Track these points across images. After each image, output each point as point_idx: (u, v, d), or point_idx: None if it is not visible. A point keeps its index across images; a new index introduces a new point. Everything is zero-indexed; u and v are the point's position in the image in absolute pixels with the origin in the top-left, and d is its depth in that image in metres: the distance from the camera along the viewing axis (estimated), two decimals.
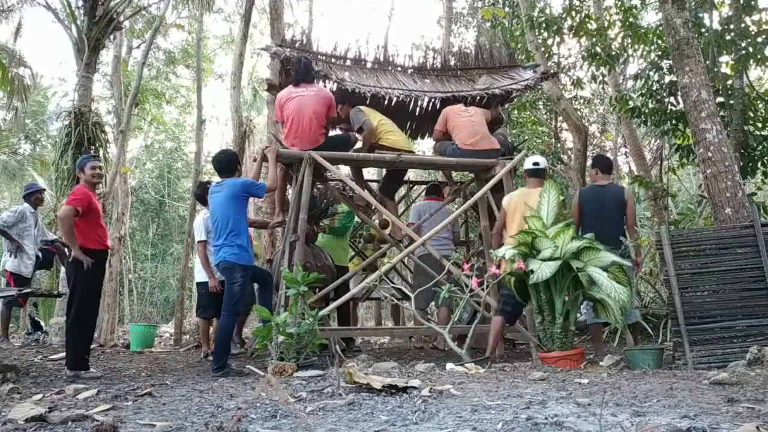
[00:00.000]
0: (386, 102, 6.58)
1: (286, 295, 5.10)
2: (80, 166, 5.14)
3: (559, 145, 12.73)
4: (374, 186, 7.82)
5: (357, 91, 6.44)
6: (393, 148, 6.27)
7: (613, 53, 9.43)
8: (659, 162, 11.02)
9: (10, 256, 7.23)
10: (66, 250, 5.07)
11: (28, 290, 5.40)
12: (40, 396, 3.35)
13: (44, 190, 8.02)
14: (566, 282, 4.62)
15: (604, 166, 5.89)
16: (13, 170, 17.93)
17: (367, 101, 6.62)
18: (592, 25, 9.46)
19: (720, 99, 7.65)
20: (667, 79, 8.56)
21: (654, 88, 8.70)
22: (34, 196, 7.52)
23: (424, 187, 10.49)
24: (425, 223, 6.83)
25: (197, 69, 13.11)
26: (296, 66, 6.09)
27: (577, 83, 11.34)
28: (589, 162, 7.76)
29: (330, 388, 3.05)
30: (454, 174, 7.74)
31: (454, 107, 6.47)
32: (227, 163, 5.20)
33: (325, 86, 6.82)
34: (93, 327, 5.20)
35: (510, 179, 6.33)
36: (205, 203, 6.27)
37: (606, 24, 9.72)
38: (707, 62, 7.25)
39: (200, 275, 6.38)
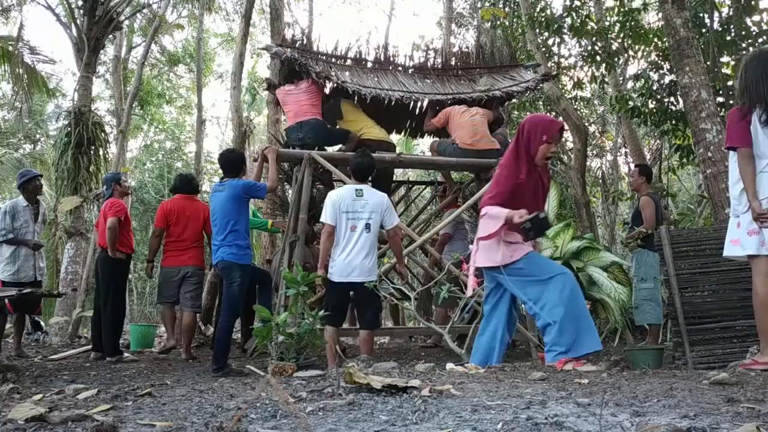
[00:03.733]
0: (386, 102, 6.58)
1: (286, 295, 5.10)
2: (116, 179, 6.17)
3: (559, 145, 12.72)
4: None
5: (355, 91, 6.46)
6: (375, 140, 6.35)
7: (613, 53, 9.43)
8: (659, 162, 11.03)
9: (7, 263, 6.38)
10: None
11: (28, 290, 5.40)
12: (40, 396, 3.34)
13: (41, 176, 6.98)
14: None
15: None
16: (11, 170, 17.91)
17: (367, 101, 6.62)
18: (593, 26, 9.46)
19: (720, 99, 7.65)
20: (667, 79, 8.56)
21: (654, 88, 8.70)
22: (31, 185, 6.55)
23: (423, 186, 10.48)
24: None
25: (197, 69, 13.14)
26: (283, 70, 6.68)
27: (577, 84, 11.34)
28: (591, 163, 7.79)
29: (330, 388, 3.05)
30: (453, 174, 7.75)
31: (456, 107, 6.48)
32: (234, 162, 5.20)
33: (324, 86, 6.82)
34: (123, 318, 6.45)
35: None
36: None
37: (606, 25, 9.71)
38: (707, 62, 7.25)
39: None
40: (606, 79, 10.60)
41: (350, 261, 4.78)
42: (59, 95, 20.18)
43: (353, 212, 4.82)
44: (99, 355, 6.01)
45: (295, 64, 6.45)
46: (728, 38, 7.71)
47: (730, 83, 7.77)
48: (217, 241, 4.99)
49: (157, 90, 19.91)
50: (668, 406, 2.47)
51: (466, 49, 7.86)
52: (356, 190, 4.88)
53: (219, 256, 4.95)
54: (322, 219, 4.98)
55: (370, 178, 5.25)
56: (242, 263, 4.96)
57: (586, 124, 12.83)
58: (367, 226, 4.82)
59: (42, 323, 8.56)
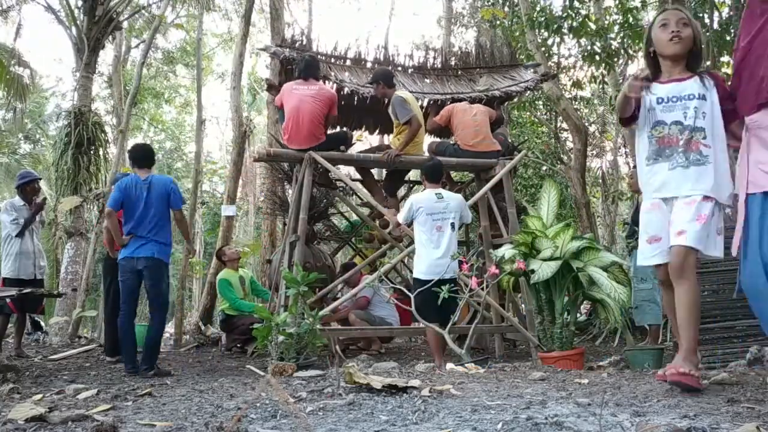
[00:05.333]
0: (385, 102, 6.58)
1: (286, 295, 5.11)
2: None
3: (559, 145, 12.73)
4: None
5: (355, 92, 6.45)
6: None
7: (613, 53, 9.43)
8: None
9: (8, 259, 6.43)
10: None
11: (28, 290, 5.40)
12: (40, 396, 3.35)
13: (40, 179, 7.08)
14: (566, 282, 4.62)
15: None
16: (13, 170, 17.92)
17: (368, 101, 6.62)
18: (592, 26, 9.46)
19: None
20: None
21: None
22: (30, 187, 6.61)
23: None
24: None
25: (197, 69, 13.10)
26: (300, 62, 6.11)
27: (577, 84, 11.34)
28: (591, 163, 7.78)
29: (330, 388, 3.05)
30: (454, 174, 7.75)
31: (459, 104, 6.45)
32: (148, 153, 5.25)
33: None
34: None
35: (510, 179, 6.33)
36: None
37: (606, 24, 9.71)
38: (707, 62, 7.26)
39: None
40: (606, 79, 10.60)
41: (440, 260, 4.99)
42: (59, 95, 20.21)
43: (438, 213, 5.09)
44: (114, 359, 5.83)
45: (293, 64, 6.43)
46: (728, 38, 7.71)
47: (729, 83, 7.77)
48: (143, 233, 4.95)
49: (153, 90, 19.90)
50: (668, 406, 2.47)
51: (466, 49, 7.86)
52: (436, 194, 5.19)
53: (147, 252, 4.92)
54: (398, 217, 5.41)
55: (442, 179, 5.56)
56: (167, 261, 5.08)
57: (586, 124, 12.83)
58: (452, 225, 5.12)
59: (42, 323, 8.56)
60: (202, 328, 9.02)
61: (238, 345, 7.16)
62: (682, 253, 2.70)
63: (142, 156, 5.24)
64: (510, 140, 7.76)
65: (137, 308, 5.28)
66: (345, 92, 6.60)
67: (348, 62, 6.98)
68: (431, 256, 5.04)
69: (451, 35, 15.77)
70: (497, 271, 4.80)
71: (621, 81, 12.10)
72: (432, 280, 4.93)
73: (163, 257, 5.01)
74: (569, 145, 12.57)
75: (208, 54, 21.41)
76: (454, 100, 6.70)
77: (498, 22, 11.89)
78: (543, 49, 10.53)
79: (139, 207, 5.00)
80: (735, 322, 4.97)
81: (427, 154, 6.61)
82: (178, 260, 13.71)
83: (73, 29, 9.44)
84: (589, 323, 8.35)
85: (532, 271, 4.54)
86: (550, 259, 4.56)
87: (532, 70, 7.49)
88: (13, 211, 6.48)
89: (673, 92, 2.90)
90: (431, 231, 5.07)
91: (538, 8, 10.29)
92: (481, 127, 6.24)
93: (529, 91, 8.06)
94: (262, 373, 4.46)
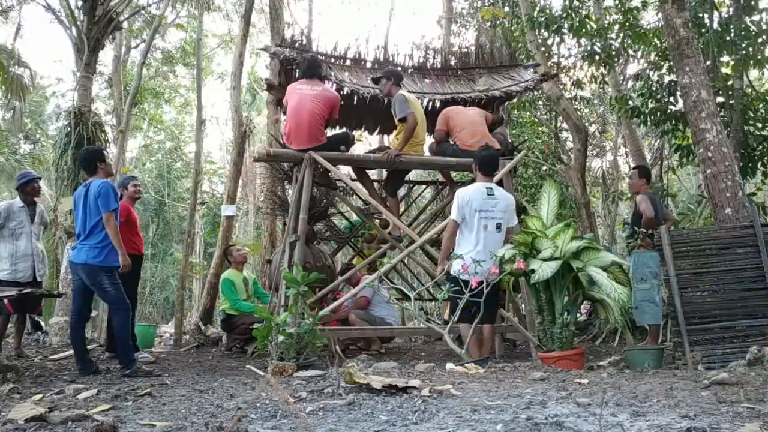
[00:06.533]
0: (385, 102, 6.58)
1: (286, 295, 5.11)
2: (123, 184, 6.36)
3: (559, 145, 12.72)
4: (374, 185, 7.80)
5: (356, 91, 6.44)
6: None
7: (613, 53, 9.43)
8: (659, 162, 11.03)
9: (4, 261, 6.30)
10: None
11: (28, 290, 5.39)
12: (40, 396, 3.35)
13: (40, 178, 6.87)
14: (566, 282, 4.61)
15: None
16: (11, 170, 17.91)
17: (367, 101, 6.62)
18: (593, 26, 9.46)
19: (720, 99, 7.65)
20: (667, 79, 8.55)
21: (654, 88, 8.69)
22: (29, 187, 6.48)
23: (424, 186, 10.47)
24: None
25: (197, 69, 13.10)
26: (302, 62, 6.12)
27: (577, 84, 11.33)
28: (591, 163, 7.78)
29: (330, 388, 3.05)
30: (454, 174, 7.74)
31: (452, 107, 6.46)
32: (86, 158, 5.20)
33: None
34: (133, 319, 5.94)
35: (510, 179, 6.32)
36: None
37: (606, 24, 9.71)
38: (707, 62, 7.25)
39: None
40: (606, 79, 10.60)
41: (479, 258, 4.70)
42: (59, 95, 20.21)
43: (485, 211, 4.80)
44: (112, 354, 5.86)
45: (293, 64, 6.43)
46: (728, 38, 7.70)
47: (730, 83, 7.77)
48: (81, 239, 4.96)
49: (153, 90, 19.91)
50: (668, 406, 2.47)
51: (466, 49, 7.85)
52: (487, 188, 4.86)
53: (80, 259, 4.91)
54: (451, 216, 4.95)
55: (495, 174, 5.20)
56: (108, 265, 4.93)
57: (586, 124, 12.82)
58: (498, 226, 4.83)
59: (42, 323, 8.55)
60: (202, 328, 9.02)
61: (238, 345, 7.16)
62: None
63: (81, 161, 5.37)
64: (510, 140, 7.75)
65: (89, 309, 5.28)
66: (345, 92, 6.60)
67: (348, 62, 6.97)
68: (471, 254, 4.75)
69: (451, 35, 15.75)
70: (497, 271, 4.79)
71: (621, 81, 12.10)
72: (467, 281, 4.68)
73: (96, 261, 4.90)
74: (569, 145, 12.55)
75: (208, 54, 21.42)
76: (454, 100, 6.70)
77: (498, 22, 11.89)
78: (543, 49, 10.52)
79: (78, 212, 5.06)
80: (735, 322, 4.97)
81: (428, 154, 6.60)
82: (177, 260, 13.65)
83: (73, 29, 9.44)
84: (589, 323, 8.35)
85: (532, 271, 4.54)
86: (550, 259, 4.56)
87: (531, 70, 7.48)
88: (6, 214, 6.35)
89: None
90: (478, 229, 4.76)
91: (538, 8, 10.28)
92: (477, 126, 6.23)
93: (528, 91, 8.04)
94: (262, 373, 4.46)
